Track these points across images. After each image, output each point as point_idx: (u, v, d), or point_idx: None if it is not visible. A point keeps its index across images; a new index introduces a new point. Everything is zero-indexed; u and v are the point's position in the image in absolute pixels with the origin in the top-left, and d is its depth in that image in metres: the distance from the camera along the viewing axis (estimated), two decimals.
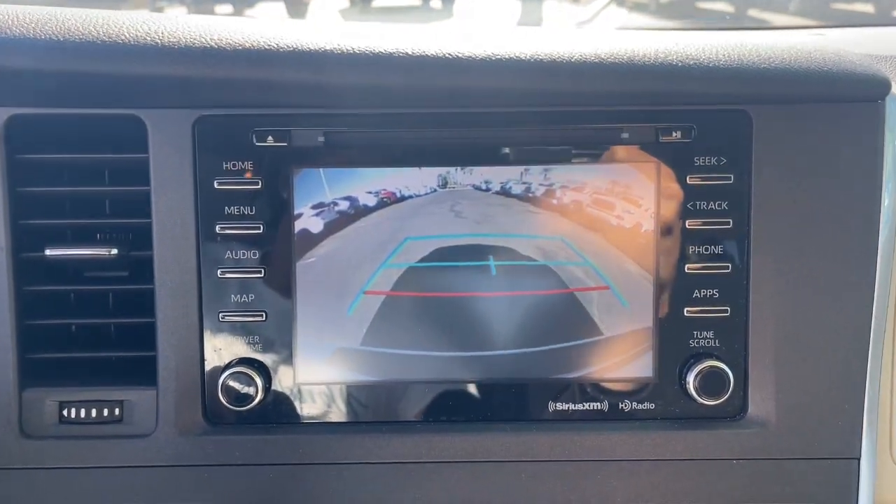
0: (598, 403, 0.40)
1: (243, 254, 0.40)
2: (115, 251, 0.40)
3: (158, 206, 0.39)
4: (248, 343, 0.40)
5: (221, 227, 0.39)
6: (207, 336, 0.39)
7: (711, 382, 0.39)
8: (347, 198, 0.40)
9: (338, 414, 0.40)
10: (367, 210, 0.39)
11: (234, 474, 0.40)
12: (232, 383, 0.39)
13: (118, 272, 0.41)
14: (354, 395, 0.40)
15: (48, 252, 0.40)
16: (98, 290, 0.40)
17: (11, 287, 0.39)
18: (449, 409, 0.40)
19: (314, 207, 0.39)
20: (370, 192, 0.39)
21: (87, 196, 0.41)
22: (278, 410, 0.40)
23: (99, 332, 0.41)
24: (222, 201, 0.39)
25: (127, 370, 0.40)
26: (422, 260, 0.40)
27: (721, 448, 0.40)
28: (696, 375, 0.39)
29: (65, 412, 0.40)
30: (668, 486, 0.40)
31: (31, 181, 0.40)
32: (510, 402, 0.40)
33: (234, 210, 0.39)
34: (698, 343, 0.40)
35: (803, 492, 0.40)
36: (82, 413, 0.40)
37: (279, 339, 0.40)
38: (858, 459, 0.40)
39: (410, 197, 0.40)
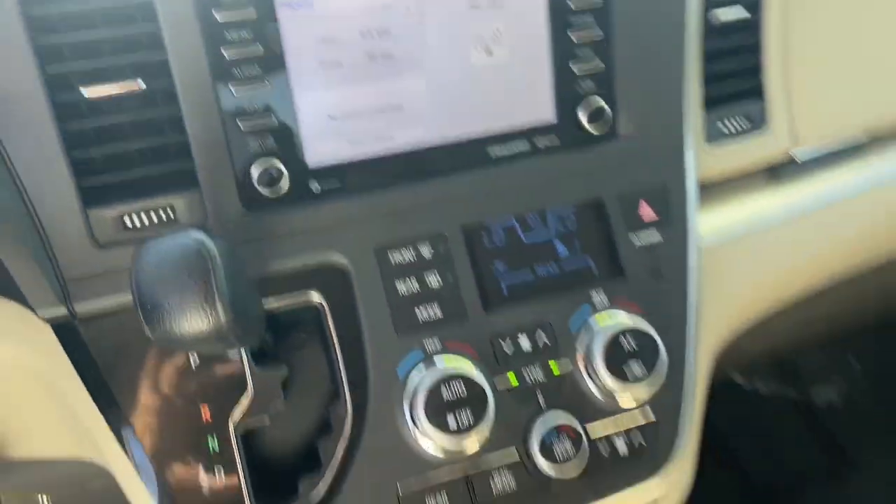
0: (519, 143, 0.57)
1: (248, 71, 0.50)
2: (143, 85, 0.48)
3: (170, 40, 0.48)
4: (266, 140, 0.51)
5: (227, 52, 0.49)
6: (232, 140, 0.50)
7: (597, 116, 0.56)
8: None
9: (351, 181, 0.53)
10: None
11: (275, 245, 0.52)
12: (261, 168, 0.50)
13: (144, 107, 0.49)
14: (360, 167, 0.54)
15: (83, 90, 0.47)
16: (134, 120, 0.49)
17: (56, 126, 0.47)
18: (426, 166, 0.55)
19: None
20: None
21: (103, 41, 0.48)
22: (301, 191, 0.52)
23: (143, 154, 0.50)
24: (222, 28, 0.49)
25: (173, 183, 0.50)
26: None
27: (599, 159, 0.58)
28: (588, 113, 0.56)
29: (127, 222, 0.49)
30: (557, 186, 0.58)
31: (49, 30, 0.46)
32: (462, 152, 0.55)
33: (234, 35, 0.49)
34: (585, 87, 0.57)
35: (651, 178, 0.59)
36: (144, 220, 0.49)
37: (288, 134, 0.51)
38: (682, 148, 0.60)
39: None
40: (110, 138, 0.49)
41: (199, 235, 0.41)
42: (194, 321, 0.40)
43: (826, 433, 1.36)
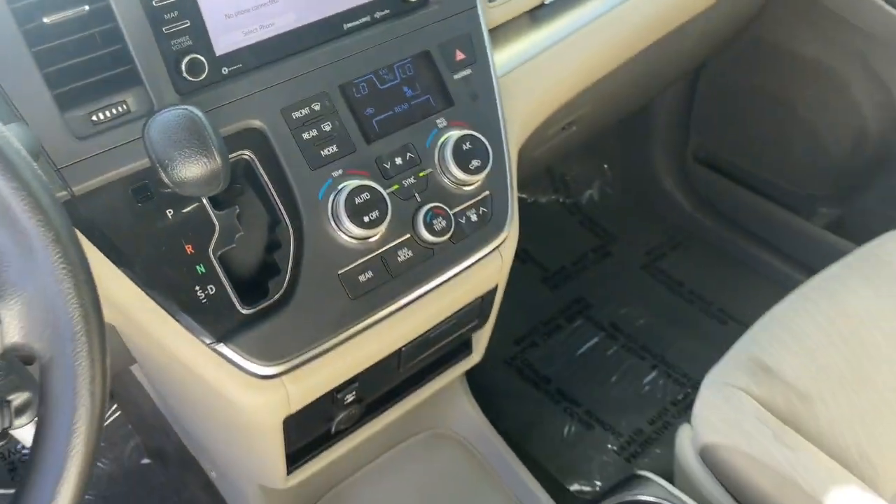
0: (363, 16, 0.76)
1: None
2: (87, 8, 0.61)
3: None
4: (185, 40, 0.66)
5: None
6: (161, 43, 0.65)
7: None
8: None
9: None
10: None
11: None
12: (186, 62, 0.66)
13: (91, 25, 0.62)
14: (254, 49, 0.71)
15: (44, 19, 0.60)
16: (85, 36, 0.62)
17: (28, 51, 0.59)
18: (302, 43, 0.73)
19: None
20: None
21: None
22: (215, 75, 0.69)
23: (97, 63, 0.63)
24: None
25: (123, 83, 0.64)
26: None
27: (421, 21, 0.79)
28: None
29: (94, 118, 0.64)
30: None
31: None
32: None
33: None
34: None
35: (459, 31, 0.82)
36: (107, 114, 0.64)
37: (199, 33, 0.67)
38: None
39: None
40: (70, 54, 0.62)
41: (189, 107, 0.58)
42: (198, 167, 0.58)
43: (592, 221, 1.75)
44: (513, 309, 1.51)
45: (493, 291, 0.90)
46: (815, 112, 1.41)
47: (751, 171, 1.58)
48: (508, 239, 0.82)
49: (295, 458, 0.89)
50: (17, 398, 0.54)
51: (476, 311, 0.90)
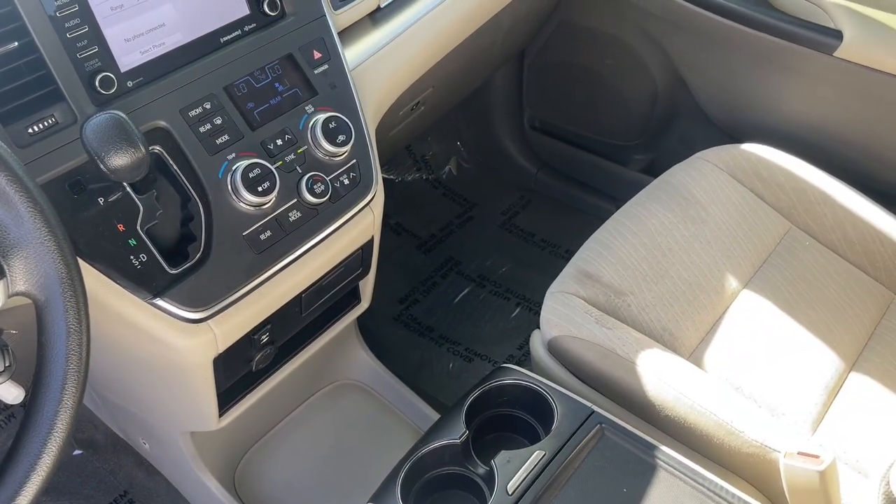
0: (235, 30, 0.95)
1: (73, 22, 0.81)
2: (16, 44, 0.77)
3: (27, 18, 0.77)
4: (95, 62, 0.83)
5: (59, 14, 0.80)
6: (76, 66, 0.82)
7: (272, 5, 0.97)
8: None
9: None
10: None
11: None
12: (98, 79, 0.83)
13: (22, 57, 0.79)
14: (151, 65, 0.88)
15: None
16: (18, 66, 0.78)
17: None
18: (190, 55, 0.91)
19: None
20: None
21: None
22: (123, 88, 0.86)
23: (29, 86, 0.79)
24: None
25: (49, 101, 0.80)
26: None
27: (282, 30, 0.99)
28: (266, 4, 0.97)
29: (30, 130, 0.79)
30: None
31: None
32: None
33: (60, 2, 0.80)
34: None
35: (314, 35, 1.03)
36: (40, 126, 0.79)
37: (106, 55, 0.84)
38: None
39: None
40: (6, 79, 0.78)
41: (113, 111, 0.76)
42: (128, 156, 0.76)
43: (453, 192, 1.99)
44: (395, 273, 1.74)
45: (370, 243, 1.11)
46: (617, 78, 1.70)
47: (576, 132, 1.87)
48: (377, 196, 1.04)
49: (224, 401, 1.07)
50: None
51: (358, 260, 1.11)
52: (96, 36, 0.84)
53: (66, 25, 0.81)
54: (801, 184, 1.30)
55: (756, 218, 1.28)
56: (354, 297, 1.22)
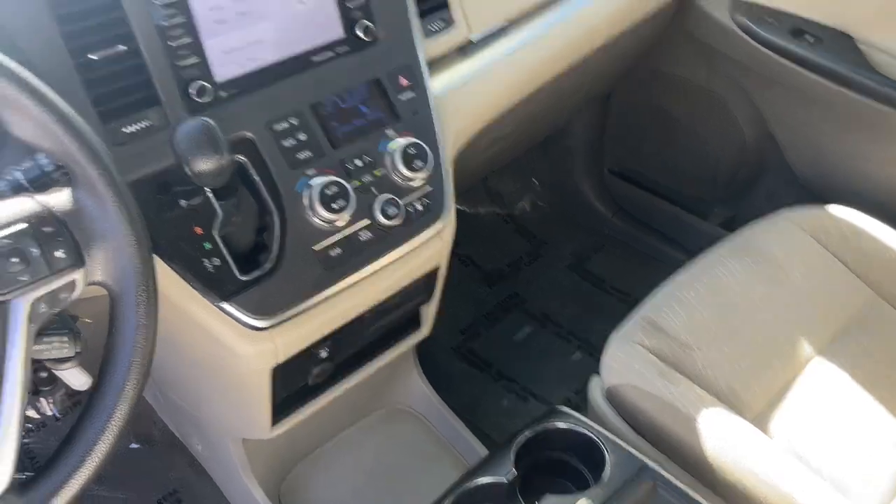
0: (328, 52, 0.98)
1: (177, 32, 0.85)
2: (123, 48, 0.82)
3: (133, 21, 0.82)
4: (194, 71, 0.87)
5: (164, 23, 0.84)
6: (175, 73, 0.86)
7: (367, 30, 0.99)
8: None
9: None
10: None
11: None
12: (194, 87, 0.87)
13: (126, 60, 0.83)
14: (246, 78, 0.92)
15: (91, 56, 0.80)
16: (122, 69, 0.82)
17: (78, 76, 0.79)
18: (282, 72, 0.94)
19: None
20: None
21: (99, 25, 0.80)
22: (217, 98, 0.89)
23: (127, 88, 0.83)
24: (161, 9, 0.83)
25: (146, 104, 0.84)
26: None
27: (372, 55, 1.02)
28: (362, 29, 0.99)
29: (125, 130, 0.83)
30: None
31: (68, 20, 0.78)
32: None
33: (167, 12, 0.84)
34: (356, 14, 0.99)
35: (402, 62, 1.05)
36: (134, 128, 0.84)
37: (204, 65, 0.88)
38: None
39: None
40: (109, 81, 0.82)
41: (204, 118, 0.79)
42: (212, 162, 0.78)
43: (524, 229, 1.99)
44: (458, 304, 1.74)
45: (437, 270, 1.11)
46: (704, 128, 1.67)
47: (657, 180, 1.84)
48: (447, 225, 1.04)
49: (279, 411, 1.08)
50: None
51: (423, 286, 1.11)
52: (197, 47, 0.87)
53: (171, 35, 0.85)
54: (888, 252, 1.25)
55: (837, 283, 1.23)
56: (415, 323, 1.23)
